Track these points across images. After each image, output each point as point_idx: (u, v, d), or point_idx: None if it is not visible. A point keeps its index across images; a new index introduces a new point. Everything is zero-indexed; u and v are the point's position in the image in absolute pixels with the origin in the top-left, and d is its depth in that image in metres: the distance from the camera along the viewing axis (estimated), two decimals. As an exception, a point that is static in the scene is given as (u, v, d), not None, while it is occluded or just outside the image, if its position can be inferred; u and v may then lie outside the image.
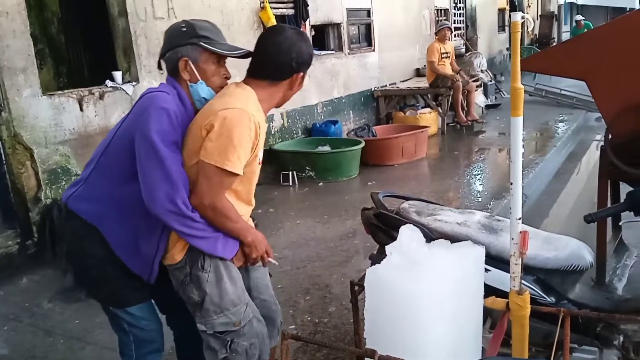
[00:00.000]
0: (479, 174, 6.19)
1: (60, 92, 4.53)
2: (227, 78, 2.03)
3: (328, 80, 7.77)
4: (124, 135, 1.92)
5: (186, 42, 1.94)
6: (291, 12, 6.81)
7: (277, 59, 1.94)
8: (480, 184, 5.82)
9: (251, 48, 2.00)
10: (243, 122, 1.82)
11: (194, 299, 1.94)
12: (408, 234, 2.00)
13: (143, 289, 2.07)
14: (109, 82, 4.82)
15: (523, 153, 7.30)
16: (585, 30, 15.71)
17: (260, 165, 2.08)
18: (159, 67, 2.06)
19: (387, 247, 2.01)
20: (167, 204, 1.81)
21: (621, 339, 2.24)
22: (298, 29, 2.05)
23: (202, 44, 1.94)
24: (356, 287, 2.34)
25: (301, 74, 1.99)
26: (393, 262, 1.87)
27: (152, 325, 2.14)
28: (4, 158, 4.09)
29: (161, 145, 1.81)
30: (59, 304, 3.62)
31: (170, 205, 1.81)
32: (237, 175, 1.86)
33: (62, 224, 3.75)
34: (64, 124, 4.38)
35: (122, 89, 4.85)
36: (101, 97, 4.67)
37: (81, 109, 4.49)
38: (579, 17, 16.61)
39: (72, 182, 2.10)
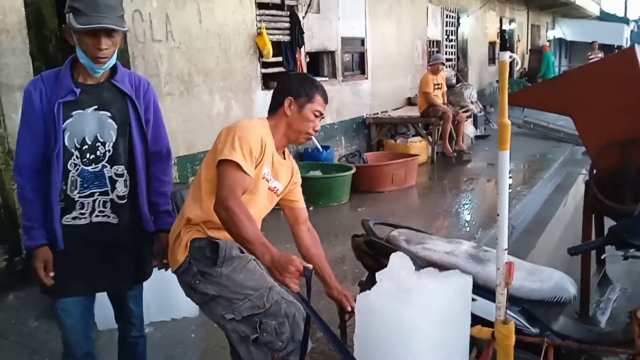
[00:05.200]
0: (467, 204, 6.26)
1: (56, 110, 4.55)
2: (100, 50, 1.93)
3: (321, 106, 7.85)
4: None
5: (68, 9, 1.92)
6: (287, 38, 6.91)
7: (273, 93, 2.22)
8: (468, 214, 5.89)
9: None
10: (248, 127, 2.01)
11: (209, 295, 1.96)
12: (398, 262, 2.05)
13: (80, 283, 2.12)
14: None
15: (511, 184, 7.31)
16: (548, 56, 16.46)
17: (272, 194, 2.15)
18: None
19: (377, 274, 2.05)
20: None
21: (603, 370, 2.29)
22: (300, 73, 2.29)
23: (67, 15, 1.92)
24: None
25: (289, 97, 2.12)
26: (383, 288, 1.92)
27: (77, 325, 2.16)
28: (-4, 174, 4.11)
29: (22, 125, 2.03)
30: (45, 322, 3.59)
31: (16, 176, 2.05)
32: (247, 174, 1.92)
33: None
34: (59, 142, 4.40)
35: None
36: (97, 116, 4.69)
37: (76, 128, 4.52)
38: (547, 43, 16.82)
39: None
